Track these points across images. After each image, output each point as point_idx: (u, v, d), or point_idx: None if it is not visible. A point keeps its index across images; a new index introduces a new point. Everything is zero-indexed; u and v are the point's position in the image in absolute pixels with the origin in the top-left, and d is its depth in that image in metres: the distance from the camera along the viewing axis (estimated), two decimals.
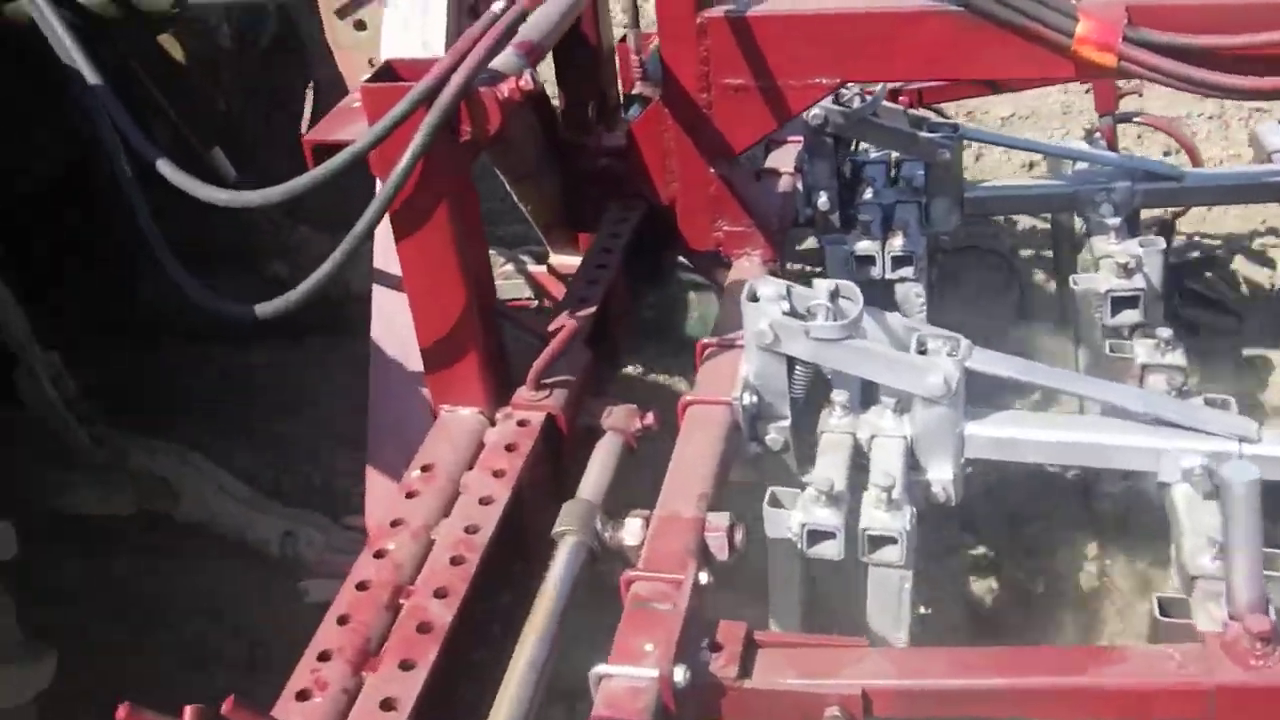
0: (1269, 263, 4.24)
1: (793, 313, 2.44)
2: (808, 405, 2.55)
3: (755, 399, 2.47)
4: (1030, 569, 3.18)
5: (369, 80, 2.10)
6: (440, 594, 2.00)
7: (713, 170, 2.83)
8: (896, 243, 3.12)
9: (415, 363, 2.42)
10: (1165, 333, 2.74)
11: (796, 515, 2.30)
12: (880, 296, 3.15)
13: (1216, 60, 2.44)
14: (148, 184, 2.53)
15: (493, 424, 2.39)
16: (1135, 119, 3.90)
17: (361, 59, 2.77)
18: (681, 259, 3.20)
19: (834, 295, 2.47)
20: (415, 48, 2.46)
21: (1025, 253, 4.37)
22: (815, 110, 3.25)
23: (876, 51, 2.64)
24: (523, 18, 2.08)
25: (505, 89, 2.04)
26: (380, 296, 2.46)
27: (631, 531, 2.19)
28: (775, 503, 2.33)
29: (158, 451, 2.99)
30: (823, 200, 3.35)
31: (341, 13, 2.75)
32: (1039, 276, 4.21)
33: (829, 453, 2.47)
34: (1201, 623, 2.14)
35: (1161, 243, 3.12)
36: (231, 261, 3.50)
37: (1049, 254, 4.22)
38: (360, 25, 2.75)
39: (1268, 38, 2.41)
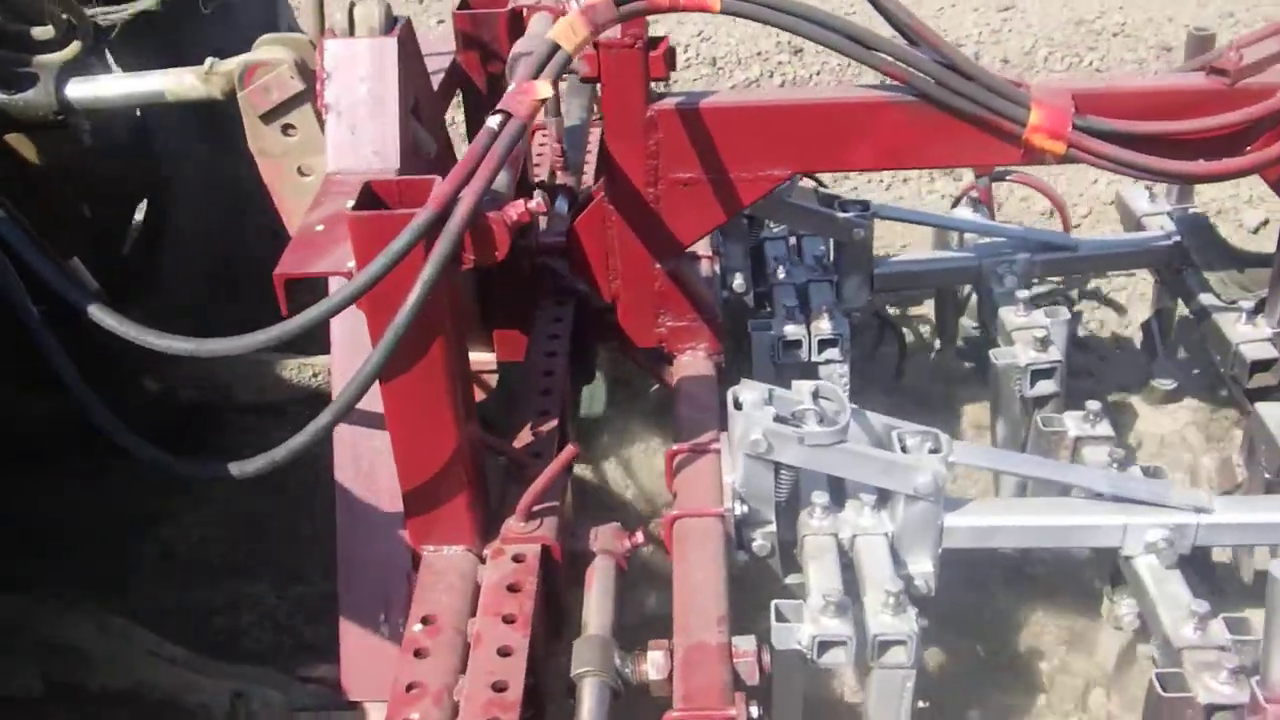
0: (1120, 309, 4.47)
1: (778, 417, 2.39)
2: (786, 506, 2.51)
3: (745, 508, 2.41)
4: (970, 636, 3.21)
5: (355, 207, 1.92)
6: None
7: (658, 266, 2.75)
8: (824, 326, 3.10)
9: (388, 501, 2.23)
10: (1094, 405, 2.83)
11: (806, 628, 2.24)
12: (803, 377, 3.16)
13: (1161, 145, 2.53)
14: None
15: (482, 561, 2.23)
16: (1008, 178, 4.03)
17: (290, 166, 2.56)
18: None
19: (816, 396, 2.44)
20: (366, 158, 2.28)
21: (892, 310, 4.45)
22: None
23: (833, 142, 2.62)
24: (522, 133, 1.95)
25: (513, 213, 1.91)
26: (344, 432, 2.25)
27: (655, 664, 2.08)
28: (781, 617, 2.26)
29: (66, 614, 2.65)
30: (738, 282, 3.31)
31: (268, 117, 2.52)
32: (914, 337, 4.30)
33: (819, 557, 2.41)
34: (1200, 695, 2.20)
35: (1065, 313, 3.22)
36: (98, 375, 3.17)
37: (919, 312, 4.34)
38: (289, 129, 2.54)
39: (1207, 123, 2.53)
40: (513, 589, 2.13)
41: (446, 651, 2.02)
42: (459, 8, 2.85)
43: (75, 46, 2.66)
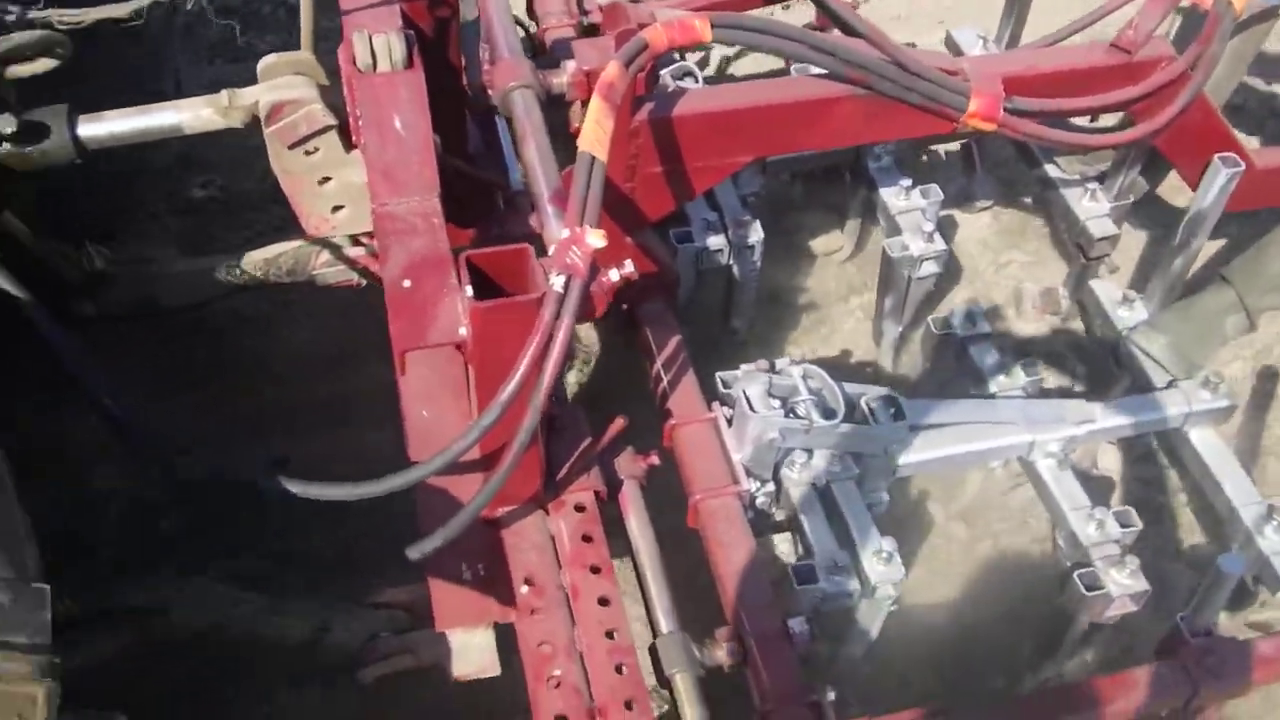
0: None
1: (774, 396, 2.77)
2: None
3: (754, 481, 2.81)
4: None
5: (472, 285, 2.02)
6: (629, 705, 2.25)
7: (629, 240, 2.96)
8: (745, 235, 3.39)
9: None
10: (976, 308, 3.36)
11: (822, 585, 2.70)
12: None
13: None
14: None
15: (546, 512, 2.51)
16: None
17: (312, 180, 2.74)
18: None
19: (805, 378, 2.81)
20: (409, 190, 2.43)
21: None
22: None
23: (791, 133, 2.89)
24: (586, 291, 2.08)
25: (606, 284, 2.11)
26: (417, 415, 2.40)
27: (729, 652, 2.47)
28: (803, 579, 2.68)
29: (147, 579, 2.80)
30: None
31: (295, 146, 2.67)
32: None
33: (808, 513, 2.82)
34: (1112, 589, 2.74)
35: (938, 192, 3.62)
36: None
37: None
38: (311, 152, 2.71)
39: (1113, 96, 2.96)
40: (587, 539, 2.45)
41: (554, 608, 2.35)
42: None
43: (45, 62, 2.58)
